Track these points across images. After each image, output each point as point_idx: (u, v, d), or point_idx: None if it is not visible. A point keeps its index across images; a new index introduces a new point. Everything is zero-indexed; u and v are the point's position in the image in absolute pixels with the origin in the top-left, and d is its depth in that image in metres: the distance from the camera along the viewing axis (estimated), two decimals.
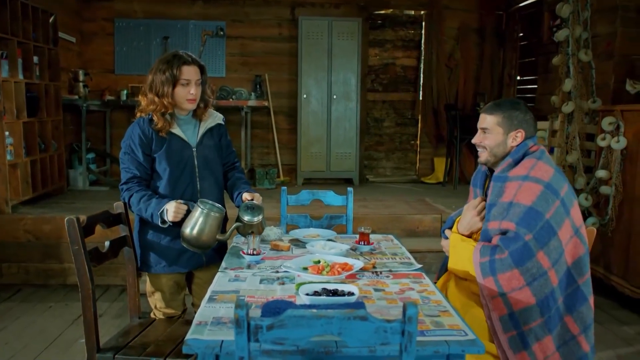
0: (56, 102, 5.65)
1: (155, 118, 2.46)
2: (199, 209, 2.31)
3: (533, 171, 2.06)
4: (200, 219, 2.30)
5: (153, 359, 2.17)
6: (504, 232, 2.03)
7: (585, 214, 4.39)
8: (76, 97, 6.11)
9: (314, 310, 1.15)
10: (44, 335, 3.59)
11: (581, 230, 2.09)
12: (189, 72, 2.45)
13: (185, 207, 2.35)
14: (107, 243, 2.43)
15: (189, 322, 2.45)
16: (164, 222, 2.35)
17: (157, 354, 2.19)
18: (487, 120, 2.20)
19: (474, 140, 2.27)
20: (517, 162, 2.13)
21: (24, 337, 3.55)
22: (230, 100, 6.50)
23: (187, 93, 2.45)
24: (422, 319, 1.68)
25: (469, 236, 2.24)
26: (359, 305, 1.69)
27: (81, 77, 6.25)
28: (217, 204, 2.40)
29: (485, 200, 2.22)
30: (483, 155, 2.24)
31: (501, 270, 1.96)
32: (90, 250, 2.26)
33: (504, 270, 1.96)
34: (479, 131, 2.24)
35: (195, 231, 2.30)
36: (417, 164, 7.67)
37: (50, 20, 5.52)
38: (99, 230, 2.42)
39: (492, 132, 2.18)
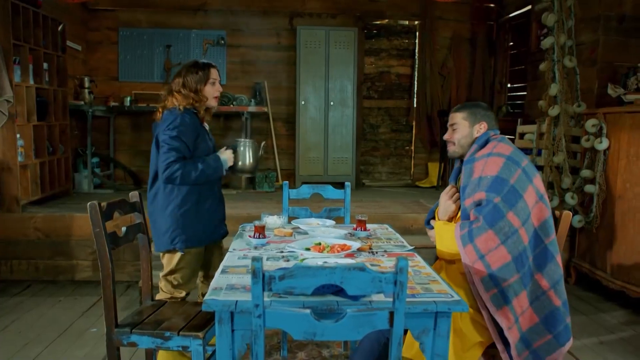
0: (64, 107, 5.85)
1: (201, 111, 2.90)
2: (242, 146, 3.00)
3: (496, 149, 2.35)
4: (249, 151, 3.01)
5: (167, 333, 2.34)
6: (478, 204, 2.26)
7: (572, 213, 4.60)
8: (82, 102, 6.32)
9: (319, 263, 1.35)
10: (56, 326, 3.76)
11: (544, 197, 2.31)
12: (215, 74, 2.94)
13: (231, 151, 2.96)
14: (124, 229, 2.62)
15: (198, 304, 2.66)
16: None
17: (171, 329, 2.37)
18: (455, 117, 2.52)
19: (445, 137, 2.57)
20: (481, 147, 2.42)
21: (36, 328, 3.72)
22: (231, 106, 6.72)
23: (215, 91, 2.93)
24: (413, 285, 1.88)
25: (449, 221, 2.48)
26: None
27: (86, 84, 6.46)
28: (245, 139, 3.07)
29: (455, 187, 2.51)
30: (452, 148, 2.54)
31: (477, 234, 2.17)
32: (109, 234, 2.44)
33: (480, 234, 2.17)
34: (449, 129, 2.54)
35: (248, 160, 3.01)
36: (412, 169, 7.90)
37: (59, 28, 5.74)
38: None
39: (459, 126, 2.50)
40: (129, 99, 6.69)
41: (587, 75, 5.02)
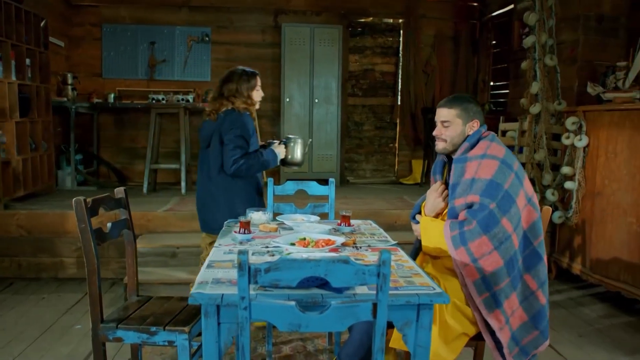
0: (46, 104, 5.82)
1: (253, 112, 3.42)
2: (293, 142, 3.51)
3: (489, 150, 2.33)
4: (298, 147, 3.53)
5: (153, 328, 2.36)
6: (469, 206, 2.27)
7: (552, 209, 4.68)
8: (65, 99, 6.28)
9: (304, 255, 1.38)
10: (40, 323, 3.74)
11: (533, 199, 2.36)
12: (259, 81, 3.45)
13: (284, 146, 3.47)
14: (109, 225, 2.63)
15: (184, 299, 2.68)
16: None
17: (157, 324, 2.38)
18: (447, 114, 2.45)
19: (435, 133, 2.51)
20: (473, 146, 2.40)
21: (19, 325, 3.70)
22: None
23: (259, 96, 3.47)
24: (397, 279, 1.92)
25: (435, 217, 2.49)
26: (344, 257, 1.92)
27: (69, 80, 6.43)
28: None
29: (444, 184, 2.50)
30: (441, 145, 2.48)
31: (471, 238, 2.19)
32: (94, 230, 2.45)
33: (474, 239, 2.19)
34: (439, 124, 2.47)
35: (298, 155, 3.55)
36: (396, 166, 7.96)
37: (42, 24, 5.70)
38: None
39: (452, 124, 2.44)
40: (112, 95, 6.66)
41: (568, 73, 5.10)
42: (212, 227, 3.39)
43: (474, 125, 2.44)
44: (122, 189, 2.74)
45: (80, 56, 7.13)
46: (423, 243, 2.48)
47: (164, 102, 6.45)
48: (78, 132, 6.70)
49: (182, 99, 6.49)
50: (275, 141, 3.54)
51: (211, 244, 3.38)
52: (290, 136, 3.52)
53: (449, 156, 2.55)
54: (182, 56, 7.21)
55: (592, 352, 3.40)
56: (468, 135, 2.44)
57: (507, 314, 2.21)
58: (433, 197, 2.49)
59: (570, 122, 4.50)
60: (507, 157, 2.32)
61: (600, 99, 4.53)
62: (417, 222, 2.56)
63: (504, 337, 2.20)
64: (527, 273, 2.29)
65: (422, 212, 2.57)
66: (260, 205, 3.45)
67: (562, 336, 3.65)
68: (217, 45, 7.28)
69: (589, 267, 4.39)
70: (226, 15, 7.26)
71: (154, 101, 6.44)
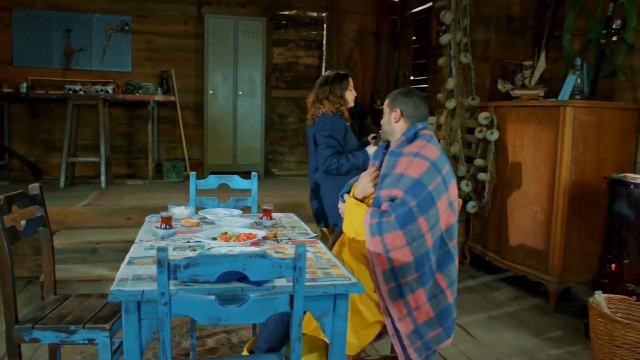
0: None
1: (346, 113, 3.65)
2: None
3: (423, 150, 2.43)
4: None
5: (72, 327, 2.32)
6: (392, 199, 2.37)
7: (466, 199, 4.94)
8: None
9: (223, 251, 1.43)
10: None
11: (454, 204, 2.50)
12: (352, 82, 3.66)
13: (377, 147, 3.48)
14: (23, 222, 2.55)
15: (104, 296, 2.65)
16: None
17: (76, 322, 2.34)
18: (384, 105, 2.64)
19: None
20: (409, 141, 2.49)
21: None
22: (137, 94, 6.57)
23: (352, 95, 3.67)
24: (315, 270, 2.00)
25: (362, 200, 2.58)
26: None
27: None
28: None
29: (379, 170, 2.57)
30: (381, 132, 2.66)
31: (387, 230, 2.30)
32: (7, 229, 2.37)
33: (390, 231, 2.30)
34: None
35: None
36: None
37: None
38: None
39: (384, 114, 2.61)
40: (25, 85, 6.36)
41: (481, 70, 5.37)
42: (317, 220, 3.74)
43: (396, 115, 2.53)
44: (37, 185, 2.66)
45: None
46: (344, 224, 2.57)
47: (81, 92, 6.23)
48: None
49: (101, 90, 6.29)
50: (371, 139, 3.71)
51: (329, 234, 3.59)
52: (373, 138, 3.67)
53: (387, 145, 2.65)
54: (100, 45, 6.98)
55: (500, 333, 3.64)
56: (397, 127, 2.54)
57: (410, 306, 2.33)
58: (365, 181, 2.57)
59: (482, 116, 4.75)
60: (439, 160, 2.42)
61: (509, 95, 4.81)
62: (345, 201, 2.63)
63: (403, 327, 2.32)
64: (439, 272, 2.42)
65: (351, 193, 2.64)
66: None
67: (473, 318, 3.88)
68: (137, 35, 7.09)
69: (499, 253, 4.67)
70: (147, 5, 7.08)
71: (70, 92, 6.20)
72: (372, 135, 3.73)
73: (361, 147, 3.69)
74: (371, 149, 3.57)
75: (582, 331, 3.62)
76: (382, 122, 2.62)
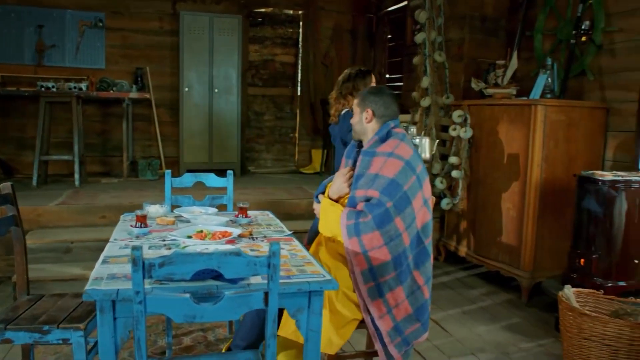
0: None
1: None
2: (422, 140, 3.69)
3: (397, 150, 2.45)
4: (427, 145, 3.71)
5: (46, 327, 2.30)
6: (368, 199, 2.39)
7: (441, 196, 5.01)
8: None
9: (198, 249, 1.44)
10: None
11: (429, 202, 2.54)
12: (374, 78, 3.58)
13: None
14: None
15: (78, 295, 2.64)
16: None
17: (50, 322, 2.33)
18: (353, 104, 2.64)
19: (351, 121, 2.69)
20: (382, 140, 2.51)
21: None
22: (111, 92, 6.51)
23: None
24: (290, 268, 2.02)
25: (337, 200, 2.60)
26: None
27: None
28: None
29: (353, 170, 2.58)
30: (353, 132, 2.66)
31: (365, 231, 2.33)
32: None
33: (367, 232, 2.33)
34: None
35: (427, 154, 3.72)
36: (296, 156, 8.10)
37: None
38: None
39: (355, 113, 2.61)
40: None
41: (455, 69, 5.44)
42: None
43: (368, 115, 2.54)
44: (8, 184, 2.63)
45: None
46: (320, 225, 2.58)
47: (54, 89, 6.14)
48: None
49: (75, 87, 6.21)
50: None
51: None
52: (417, 136, 3.64)
53: (360, 144, 2.66)
54: (73, 42, 6.88)
55: (473, 327, 3.71)
56: (369, 126, 2.55)
57: (389, 304, 2.37)
58: (340, 181, 2.58)
59: (456, 115, 4.82)
60: (412, 159, 2.45)
61: (483, 94, 4.89)
62: (319, 202, 2.65)
63: (383, 325, 2.36)
64: (416, 269, 2.47)
65: (326, 193, 2.65)
66: None
67: (448, 314, 3.95)
68: (111, 31, 7.00)
69: (473, 249, 4.75)
70: (121, 1, 7.00)
71: (43, 89, 6.10)
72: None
73: None
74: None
75: (552, 325, 3.70)
76: (353, 122, 2.62)
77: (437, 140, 3.72)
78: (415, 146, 3.54)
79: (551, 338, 3.56)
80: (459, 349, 3.38)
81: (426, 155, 3.74)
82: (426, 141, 3.69)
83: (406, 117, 5.61)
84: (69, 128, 6.32)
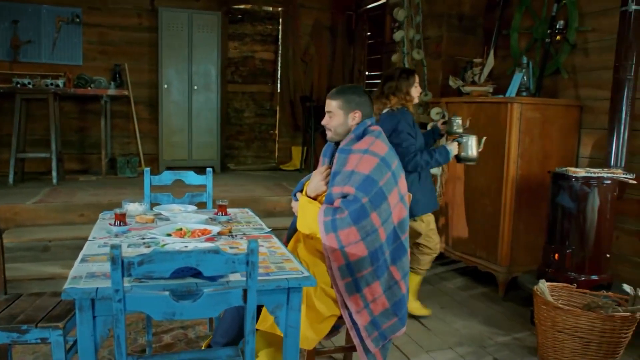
0: None
1: (411, 108, 3.63)
2: (466, 139, 3.60)
3: (372, 147, 2.49)
4: (473, 143, 3.61)
5: (24, 326, 2.29)
6: (345, 196, 2.43)
7: None
8: None
9: (177, 247, 1.46)
10: None
11: (405, 198, 2.58)
12: (417, 78, 3.66)
13: (457, 143, 3.59)
14: None
15: (57, 294, 2.62)
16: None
17: (28, 321, 2.31)
18: (332, 105, 2.62)
19: (322, 122, 2.68)
20: (359, 138, 2.55)
21: None
22: (89, 88, 6.45)
23: (417, 92, 3.67)
24: (268, 265, 2.04)
25: (315, 198, 2.63)
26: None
27: None
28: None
29: (330, 168, 2.62)
30: (329, 134, 2.67)
31: (341, 227, 2.36)
32: None
33: (344, 227, 2.36)
34: (326, 114, 2.65)
35: (471, 152, 3.61)
36: (276, 153, 8.11)
37: None
38: None
39: (335, 115, 2.61)
40: None
41: (433, 67, 5.50)
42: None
43: (356, 116, 2.58)
44: None
45: None
46: (298, 222, 2.61)
47: (30, 86, 6.06)
48: None
49: (52, 84, 6.14)
50: (440, 125, 3.86)
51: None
52: (464, 134, 3.66)
53: (337, 143, 2.68)
54: (50, 37, 6.80)
55: (451, 322, 3.77)
56: (353, 126, 2.58)
57: (366, 299, 2.41)
58: (317, 179, 2.61)
59: (434, 112, 4.87)
60: (387, 155, 2.49)
61: (460, 91, 4.95)
62: (297, 200, 2.67)
63: (360, 319, 2.40)
64: (393, 265, 2.51)
65: (304, 191, 2.68)
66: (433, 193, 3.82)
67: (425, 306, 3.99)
68: (89, 27, 6.93)
69: (451, 245, 4.82)
70: None
71: (19, 85, 6.03)
72: (442, 121, 3.85)
73: (430, 135, 3.87)
74: (450, 145, 3.57)
75: (527, 318, 3.78)
76: (335, 124, 2.61)
77: (484, 138, 3.69)
78: (460, 145, 3.60)
79: (527, 331, 3.64)
80: (437, 343, 3.43)
81: (473, 153, 3.63)
82: (472, 140, 3.62)
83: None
84: (45, 125, 6.25)
